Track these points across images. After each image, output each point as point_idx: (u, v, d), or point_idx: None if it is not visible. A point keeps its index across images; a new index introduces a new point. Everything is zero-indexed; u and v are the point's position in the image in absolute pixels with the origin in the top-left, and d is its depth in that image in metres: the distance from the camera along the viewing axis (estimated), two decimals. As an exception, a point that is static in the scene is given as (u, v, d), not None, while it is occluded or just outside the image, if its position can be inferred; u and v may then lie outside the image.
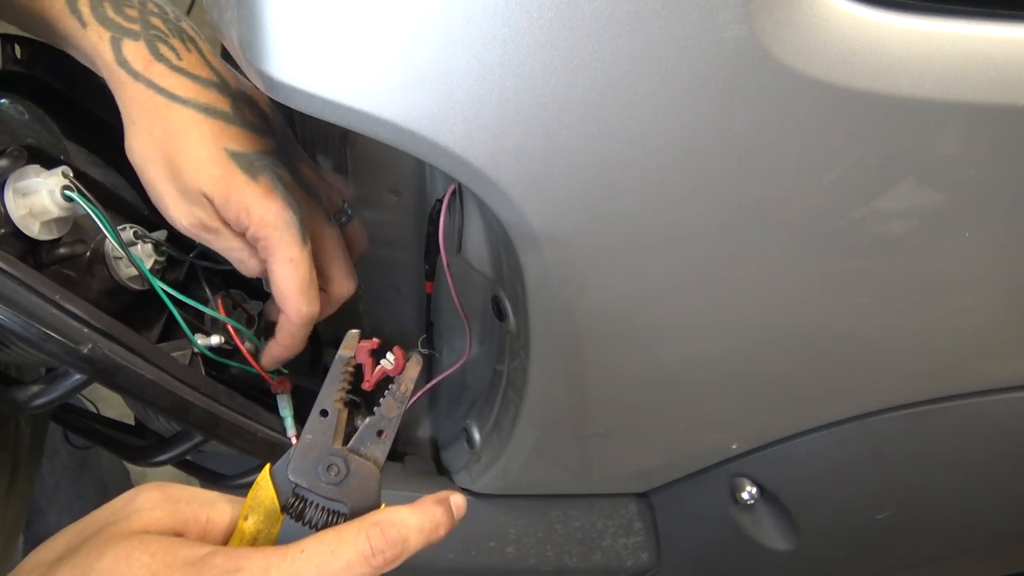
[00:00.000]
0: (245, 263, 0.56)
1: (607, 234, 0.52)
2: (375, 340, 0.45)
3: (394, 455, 0.85)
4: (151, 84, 0.50)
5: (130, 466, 1.15)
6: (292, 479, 0.41)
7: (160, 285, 0.57)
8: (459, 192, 0.59)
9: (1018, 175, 0.54)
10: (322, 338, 0.81)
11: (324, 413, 0.42)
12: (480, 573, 0.80)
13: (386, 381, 0.45)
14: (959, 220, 0.56)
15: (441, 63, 0.43)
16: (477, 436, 0.75)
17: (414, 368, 0.44)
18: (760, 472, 0.76)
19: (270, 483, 0.41)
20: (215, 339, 0.59)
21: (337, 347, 0.48)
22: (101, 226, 0.52)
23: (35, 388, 0.52)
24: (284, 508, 0.41)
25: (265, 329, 0.66)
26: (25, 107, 0.56)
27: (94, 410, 0.77)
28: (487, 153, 0.46)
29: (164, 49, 0.51)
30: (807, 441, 0.72)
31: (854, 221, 0.54)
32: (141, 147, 0.51)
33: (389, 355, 0.46)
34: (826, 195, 0.53)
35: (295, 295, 0.54)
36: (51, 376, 0.52)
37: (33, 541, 0.90)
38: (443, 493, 0.41)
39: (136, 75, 0.50)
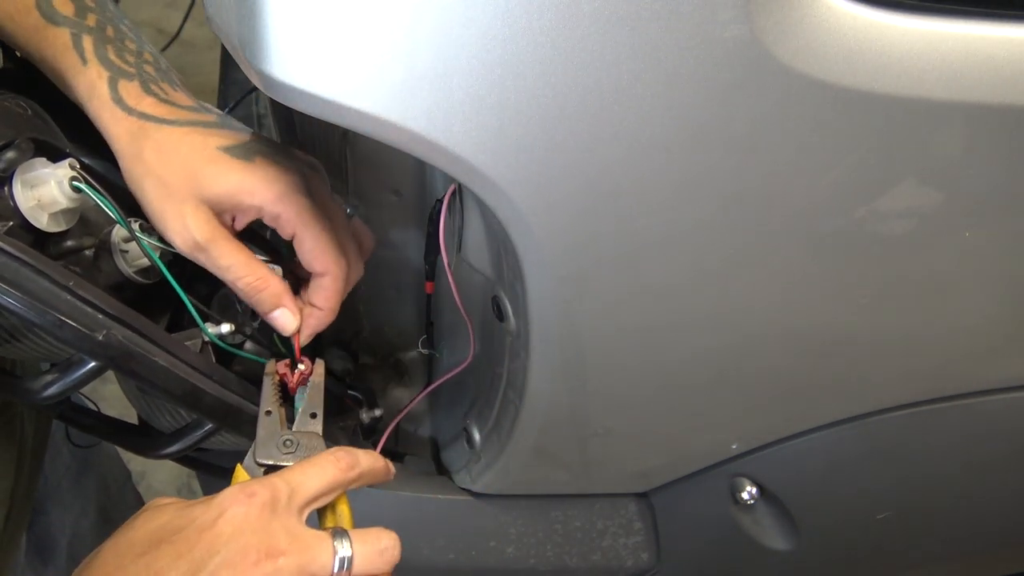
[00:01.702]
0: (243, 281, 0.55)
1: (607, 234, 0.52)
2: (287, 360, 0.59)
3: (394, 455, 0.85)
4: (142, 115, 0.53)
5: (131, 466, 1.15)
6: (259, 462, 0.51)
7: (168, 274, 0.57)
8: (459, 192, 0.59)
9: (1018, 175, 0.54)
10: (324, 340, 0.81)
11: (268, 413, 0.55)
12: (480, 573, 0.80)
13: (305, 381, 0.59)
14: (959, 220, 0.56)
15: (441, 63, 0.43)
16: (477, 436, 0.75)
17: (320, 367, 0.60)
18: (760, 472, 0.76)
19: (244, 473, 0.50)
20: (225, 328, 0.60)
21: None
22: (111, 214, 0.52)
23: (48, 378, 0.52)
24: None
25: (264, 327, 0.66)
26: (27, 104, 0.56)
27: (96, 410, 0.77)
28: (487, 153, 0.46)
29: (155, 87, 0.54)
30: (807, 441, 0.72)
31: (854, 221, 0.54)
32: (139, 173, 0.53)
33: (300, 365, 0.59)
34: (826, 195, 0.53)
35: (331, 251, 0.55)
36: (63, 365, 0.52)
37: (35, 540, 0.90)
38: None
39: (129, 110, 0.53)
